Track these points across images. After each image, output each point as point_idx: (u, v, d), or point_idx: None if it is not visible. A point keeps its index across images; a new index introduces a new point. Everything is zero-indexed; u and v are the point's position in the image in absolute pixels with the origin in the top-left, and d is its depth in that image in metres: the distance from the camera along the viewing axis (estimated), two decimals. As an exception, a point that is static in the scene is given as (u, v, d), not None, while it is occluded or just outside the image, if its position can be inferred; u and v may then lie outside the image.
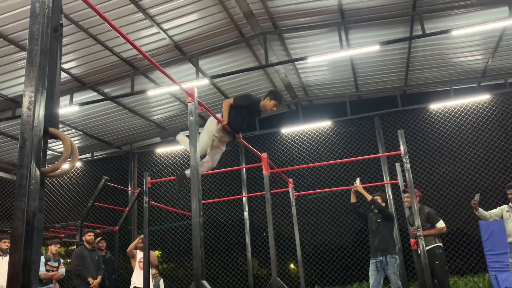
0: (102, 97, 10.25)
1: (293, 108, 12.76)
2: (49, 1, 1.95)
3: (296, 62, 9.90)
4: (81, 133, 12.05)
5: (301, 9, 8.48)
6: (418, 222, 5.78)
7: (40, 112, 1.79)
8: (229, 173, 11.58)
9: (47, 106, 1.84)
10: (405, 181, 6.64)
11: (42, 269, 7.20)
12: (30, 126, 1.75)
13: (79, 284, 7.12)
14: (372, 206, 6.34)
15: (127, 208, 10.62)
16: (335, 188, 9.69)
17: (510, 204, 6.60)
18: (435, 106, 10.89)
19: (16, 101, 10.10)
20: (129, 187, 12.46)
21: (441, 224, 6.25)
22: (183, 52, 9.31)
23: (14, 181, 12.35)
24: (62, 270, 7.62)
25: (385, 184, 9.31)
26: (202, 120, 12.06)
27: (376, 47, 8.52)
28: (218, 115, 4.72)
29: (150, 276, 7.09)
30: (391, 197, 8.89)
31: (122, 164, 13.09)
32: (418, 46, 9.63)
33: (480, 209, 6.65)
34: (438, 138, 10.84)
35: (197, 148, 3.60)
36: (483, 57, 10.18)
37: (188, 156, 3.67)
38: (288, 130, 11.77)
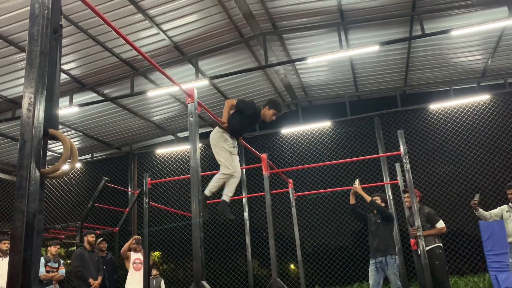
0: (102, 98, 10.25)
1: (292, 109, 12.76)
2: (48, 2, 1.95)
3: (295, 63, 9.90)
4: (81, 134, 12.05)
5: (300, 10, 8.48)
6: (418, 222, 5.78)
7: (40, 113, 1.79)
8: (229, 174, 11.54)
9: (47, 107, 1.84)
10: (405, 181, 6.64)
11: (42, 270, 7.20)
12: (30, 127, 1.75)
13: (80, 285, 7.12)
14: (372, 207, 6.34)
15: (127, 209, 10.62)
16: (335, 189, 9.69)
17: (510, 204, 6.60)
18: (435, 106, 10.89)
19: (16, 102, 10.10)
20: (129, 188, 12.45)
21: (441, 224, 6.25)
22: (183, 52, 9.31)
23: (14, 182, 12.35)
24: (62, 271, 7.61)
25: (385, 185, 9.31)
26: (202, 121, 12.15)
27: (376, 48, 8.52)
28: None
29: (140, 277, 7.09)
30: (391, 197, 8.89)
31: (122, 165, 13.09)
32: (418, 46, 9.63)
33: (480, 209, 6.65)
34: (438, 138, 10.85)
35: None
36: (483, 57, 10.18)
37: (188, 156, 3.67)
38: (288, 131, 11.77)
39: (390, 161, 10.17)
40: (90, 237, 7.61)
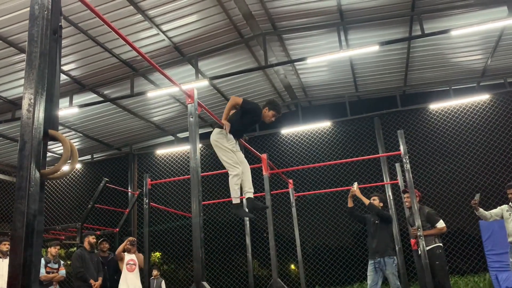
0: (101, 99, 10.25)
1: (292, 109, 12.76)
2: (48, 3, 1.95)
3: (295, 63, 9.90)
4: (80, 135, 12.06)
5: (300, 10, 8.49)
6: (418, 222, 5.78)
7: (40, 114, 1.79)
8: (229, 174, 11.55)
9: (47, 108, 1.84)
10: (405, 181, 6.64)
11: (42, 271, 7.19)
12: (30, 128, 1.75)
13: (80, 286, 7.11)
14: (370, 211, 6.32)
15: (127, 210, 10.61)
16: (335, 189, 9.69)
17: (510, 204, 6.60)
18: (435, 106, 10.89)
19: (15, 103, 10.10)
20: (129, 188, 12.45)
21: (441, 224, 6.25)
22: (183, 53, 9.31)
23: (14, 183, 12.35)
24: (62, 272, 7.61)
25: (385, 185, 9.30)
26: (202, 122, 12.15)
27: (376, 48, 8.52)
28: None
29: (134, 277, 7.15)
30: (391, 197, 8.89)
31: (122, 165, 13.09)
32: (418, 46, 9.63)
33: (480, 209, 6.65)
34: (437, 138, 10.85)
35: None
36: (483, 57, 10.18)
37: (188, 156, 3.68)
38: (288, 131, 11.76)
39: (390, 161, 10.17)
40: (92, 238, 7.60)
